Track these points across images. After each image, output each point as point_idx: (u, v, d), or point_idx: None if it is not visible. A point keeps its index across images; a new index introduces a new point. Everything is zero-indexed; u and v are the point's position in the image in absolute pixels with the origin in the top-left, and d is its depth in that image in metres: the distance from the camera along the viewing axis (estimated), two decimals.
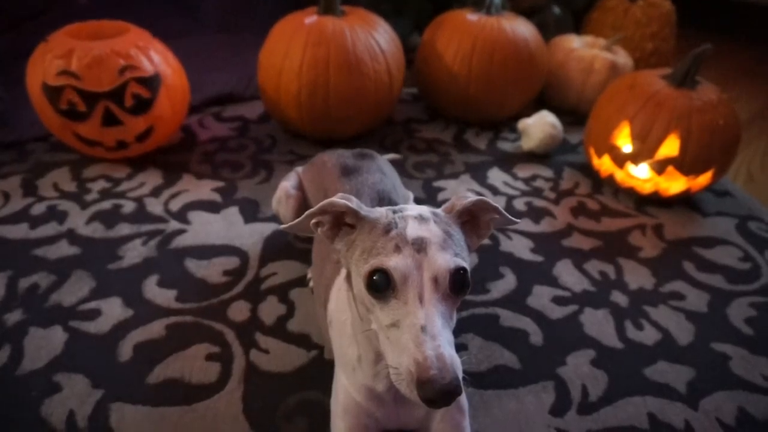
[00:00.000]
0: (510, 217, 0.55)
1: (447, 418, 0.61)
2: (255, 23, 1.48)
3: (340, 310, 0.61)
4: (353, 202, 0.51)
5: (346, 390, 0.60)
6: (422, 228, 0.49)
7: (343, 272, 0.60)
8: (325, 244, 0.73)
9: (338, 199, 0.51)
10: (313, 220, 0.53)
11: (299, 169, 0.90)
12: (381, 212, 0.51)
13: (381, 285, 0.46)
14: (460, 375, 0.43)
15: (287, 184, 0.87)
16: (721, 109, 1.06)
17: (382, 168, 0.81)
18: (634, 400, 0.73)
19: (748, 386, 0.76)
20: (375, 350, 0.54)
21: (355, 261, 0.50)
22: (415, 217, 0.49)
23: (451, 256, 0.48)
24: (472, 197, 0.53)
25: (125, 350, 0.76)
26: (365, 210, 0.51)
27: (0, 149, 1.20)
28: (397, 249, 0.47)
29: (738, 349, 0.82)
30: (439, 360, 0.42)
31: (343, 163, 0.80)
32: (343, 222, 0.53)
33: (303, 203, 0.85)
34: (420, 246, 0.47)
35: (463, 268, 0.48)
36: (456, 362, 0.43)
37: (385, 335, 0.47)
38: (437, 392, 0.42)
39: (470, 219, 0.54)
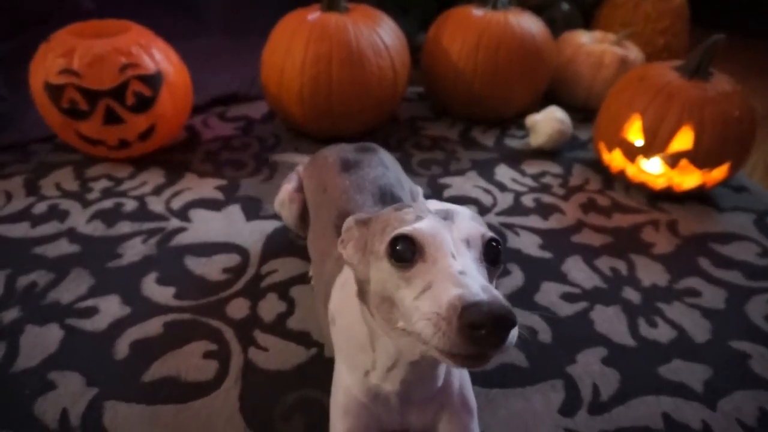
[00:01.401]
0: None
1: (455, 420, 0.57)
2: (260, 23, 1.47)
3: (343, 310, 0.58)
4: (355, 216, 0.51)
5: (347, 390, 0.56)
6: (446, 205, 0.47)
7: (350, 280, 0.55)
8: (324, 240, 0.70)
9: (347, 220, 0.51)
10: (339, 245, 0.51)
11: (300, 168, 0.88)
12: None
13: (406, 254, 0.41)
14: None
15: (289, 186, 0.85)
16: (735, 101, 1.03)
17: (384, 161, 0.78)
18: (647, 399, 0.69)
19: None
20: (393, 358, 0.50)
21: (371, 251, 0.46)
22: (436, 201, 0.48)
23: (481, 225, 0.45)
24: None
25: (121, 348, 0.74)
26: (365, 215, 0.50)
27: (4, 150, 1.20)
28: (419, 218, 0.44)
29: (758, 347, 0.78)
30: (485, 291, 0.37)
31: (343, 157, 0.77)
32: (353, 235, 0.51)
33: (305, 205, 0.83)
34: (446, 215, 0.44)
35: (497, 240, 0.44)
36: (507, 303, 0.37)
37: (413, 308, 0.40)
38: (485, 314, 0.35)
39: None
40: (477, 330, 0.35)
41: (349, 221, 0.51)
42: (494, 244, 0.44)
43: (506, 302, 0.37)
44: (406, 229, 0.42)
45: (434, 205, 0.47)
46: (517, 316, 0.37)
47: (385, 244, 0.43)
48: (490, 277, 0.43)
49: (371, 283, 0.46)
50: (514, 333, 0.37)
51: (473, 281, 0.38)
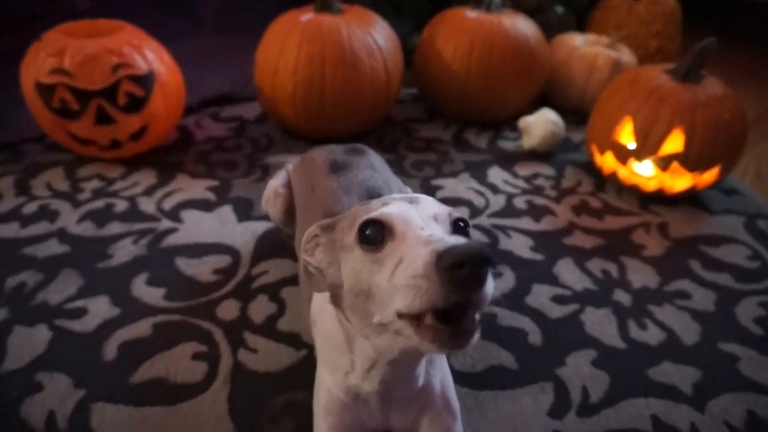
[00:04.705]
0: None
1: (437, 422, 0.58)
2: (254, 24, 1.47)
3: (323, 311, 0.58)
4: (319, 223, 0.50)
5: (329, 390, 0.57)
6: (410, 194, 0.48)
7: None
8: None
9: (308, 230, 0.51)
10: (304, 256, 0.51)
11: (289, 167, 0.87)
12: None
13: (376, 237, 0.42)
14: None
15: (275, 183, 0.86)
16: (726, 103, 1.03)
17: (372, 164, 0.78)
18: (636, 401, 0.70)
19: (757, 388, 0.73)
20: (371, 359, 0.51)
21: (341, 247, 0.46)
22: (400, 191, 0.49)
23: (447, 207, 0.46)
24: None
25: (110, 349, 0.74)
26: (329, 219, 0.50)
27: None
28: (385, 204, 0.45)
29: (747, 350, 0.79)
30: (458, 241, 0.38)
31: (332, 159, 0.77)
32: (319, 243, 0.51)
33: (291, 202, 0.83)
34: (411, 199, 0.45)
35: (464, 220, 0.45)
36: None
37: (389, 289, 0.40)
38: (463, 253, 0.35)
39: None
40: (458, 271, 0.36)
41: (313, 229, 0.50)
42: (461, 224, 0.45)
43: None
44: (373, 214, 0.43)
45: (397, 195, 0.48)
46: (492, 256, 0.37)
47: (354, 233, 0.44)
48: None
49: (344, 280, 0.46)
50: (491, 284, 0.38)
51: (443, 237, 0.39)
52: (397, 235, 0.42)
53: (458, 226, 0.45)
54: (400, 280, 0.39)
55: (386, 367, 0.50)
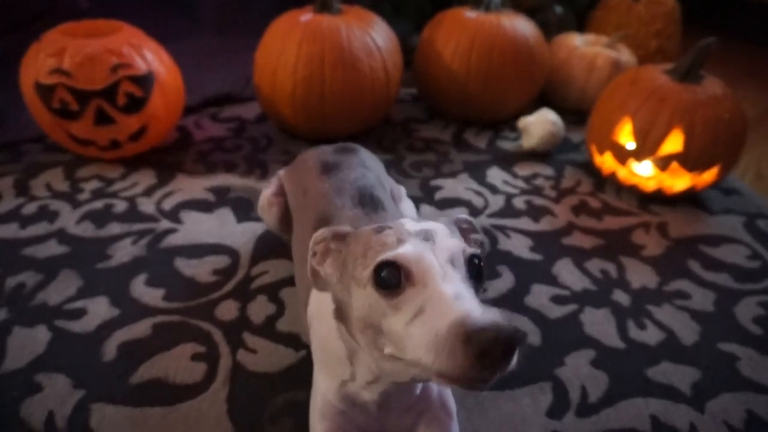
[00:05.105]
0: (485, 242, 0.53)
1: (434, 424, 0.58)
2: (254, 24, 1.48)
3: (321, 317, 0.57)
4: (334, 228, 0.49)
5: (324, 395, 0.56)
6: (422, 224, 0.46)
7: (329, 302, 0.53)
8: (304, 244, 0.70)
9: (320, 231, 0.49)
10: (310, 256, 0.50)
11: (281, 172, 0.87)
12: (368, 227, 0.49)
13: (392, 280, 0.40)
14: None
15: (268, 191, 0.85)
16: (726, 104, 1.03)
17: (364, 162, 0.77)
18: (636, 401, 0.70)
19: (756, 387, 0.73)
20: (374, 375, 0.50)
21: (351, 276, 0.45)
22: (411, 219, 0.47)
23: (460, 240, 0.45)
24: (466, 217, 0.53)
25: (109, 350, 0.74)
26: (345, 228, 0.49)
27: None
28: (401, 241, 0.43)
29: (746, 350, 0.79)
30: (486, 314, 0.35)
31: (323, 160, 0.76)
32: (329, 249, 0.50)
33: (285, 209, 0.83)
34: (426, 236, 0.43)
35: (478, 257, 0.44)
36: None
37: (407, 336, 0.39)
38: (493, 341, 0.33)
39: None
40: (488, 356, 0.34)
41: (323, 232, 0.49)
42: (476, 261, 0.44)
43: (507, 321, 0.36)
44: (389, 255, 0.41)
45: (410, 225, 0.45)
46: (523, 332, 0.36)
47: (368, 271, 0.42)
48: (476, 293, 0.42)
49: (353, 308, 0.44)
50: (515, 356, 0.36)
51: (471, 303, 0.37)
52: (417, 281, 0.40)
53: (472, 264, 0.43)
54: (421, 331, 0.38)
55: (390, 383, 0.50)
